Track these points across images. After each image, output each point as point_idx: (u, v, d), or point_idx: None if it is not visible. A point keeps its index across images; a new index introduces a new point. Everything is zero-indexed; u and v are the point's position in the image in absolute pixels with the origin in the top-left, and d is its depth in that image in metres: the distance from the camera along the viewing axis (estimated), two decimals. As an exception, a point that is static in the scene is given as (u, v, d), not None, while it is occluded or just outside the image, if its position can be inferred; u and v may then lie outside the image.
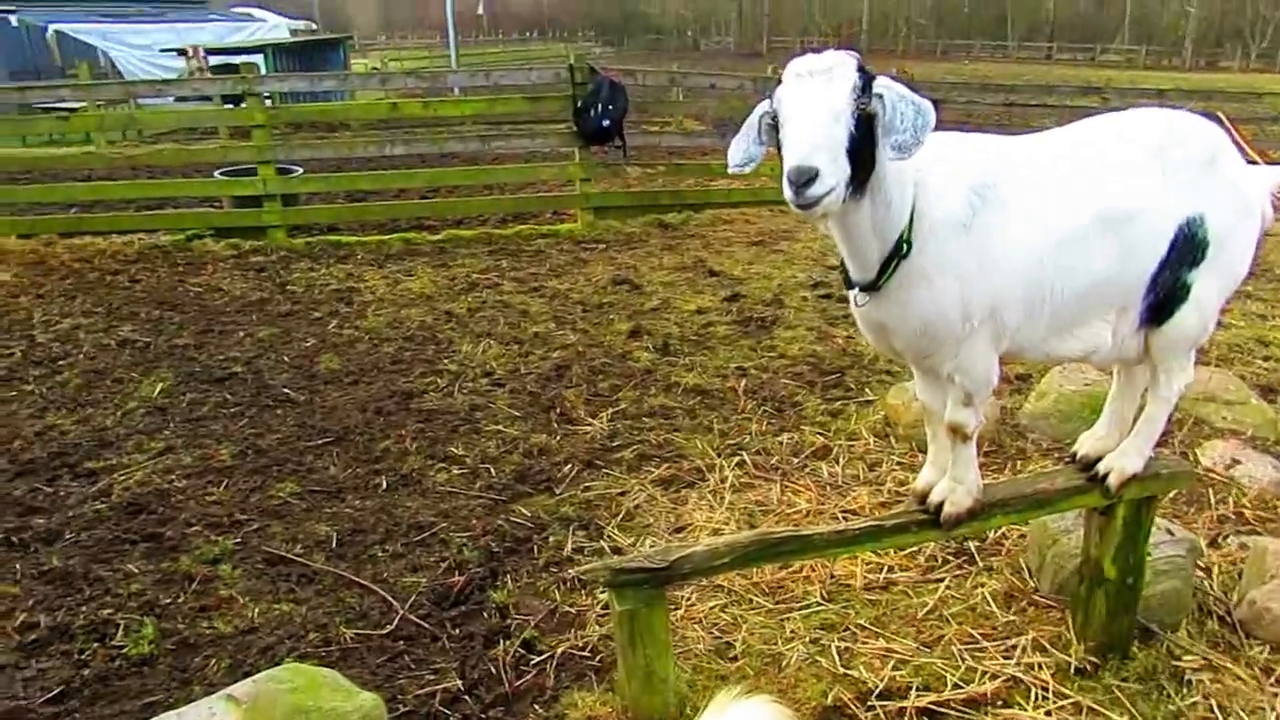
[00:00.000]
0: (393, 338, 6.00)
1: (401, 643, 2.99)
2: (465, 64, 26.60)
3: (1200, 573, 3.17)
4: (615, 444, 4.39)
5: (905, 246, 2.01)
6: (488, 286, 7.24)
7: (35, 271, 7.90)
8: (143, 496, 3.93)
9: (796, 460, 4.17)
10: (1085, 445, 2.65)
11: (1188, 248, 2.18)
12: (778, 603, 3.15)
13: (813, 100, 1.79)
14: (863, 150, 1.82)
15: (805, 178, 1.72)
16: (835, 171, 1.75)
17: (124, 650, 2.93)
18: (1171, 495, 3.72)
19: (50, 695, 2.75)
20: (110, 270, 7.93)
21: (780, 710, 1.86)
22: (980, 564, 3.33)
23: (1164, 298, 2.23)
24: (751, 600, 3.16)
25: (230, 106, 14.18)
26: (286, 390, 5.10)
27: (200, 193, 9.23)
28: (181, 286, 7.43)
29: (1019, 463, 4.09)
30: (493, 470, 4.14)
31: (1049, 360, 2.48)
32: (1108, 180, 2.14)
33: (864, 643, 2.90)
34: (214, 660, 2.90)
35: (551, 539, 3.58)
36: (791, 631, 2.98)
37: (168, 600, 3.20)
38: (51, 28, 23.36)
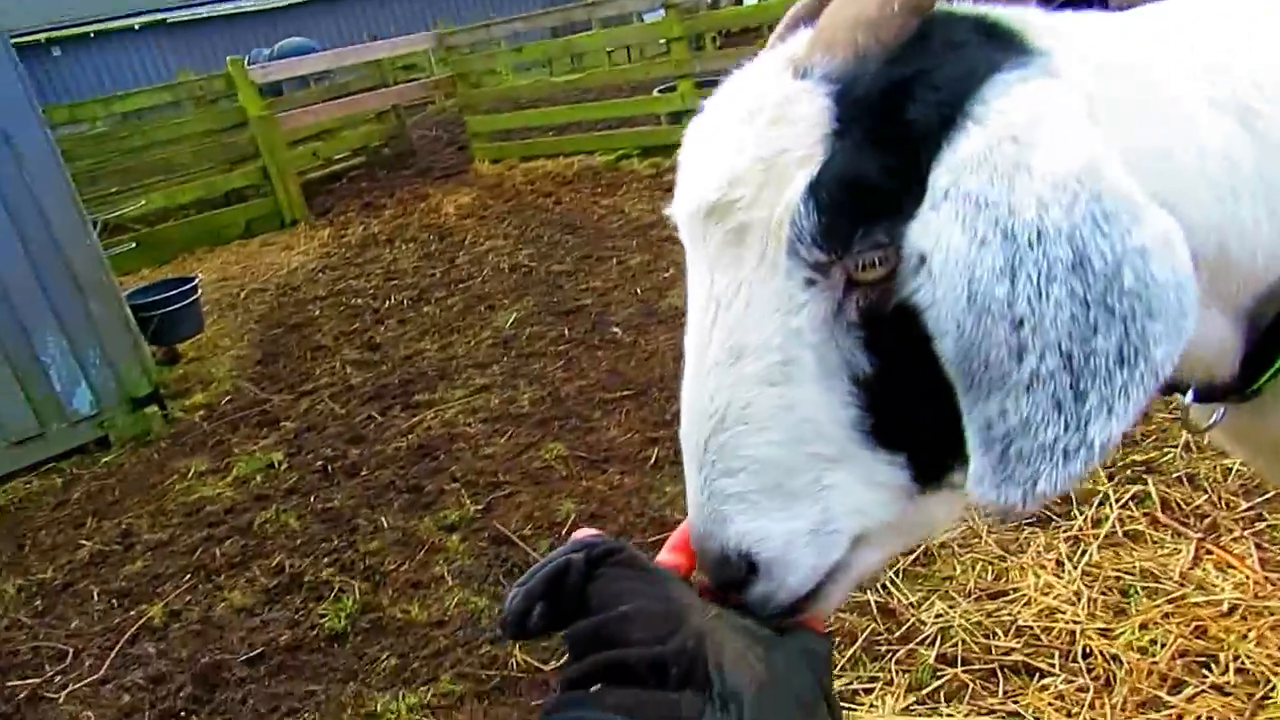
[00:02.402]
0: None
1: (565, 687, 2.40)
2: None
3: None
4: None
5: None
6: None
7: (490, 194, 8.70)
8: (436, 440, 3.86)
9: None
10: None
11: None
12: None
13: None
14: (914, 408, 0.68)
15: (732, 576, 0.70)
16: (822, 525, 0.69)
17: (324, 620, 2.80)
18: None
19: (249, 656, 2.71)
20: (545, 192, 8.39)
21: None
22: None
23: None
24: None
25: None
26: (617, 329, 4.74)
27: (626, 112, 9.31)
28: (593, 208, 7.54)
29: None
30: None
31: None
32: None
33: None
34: (384, 655, 2.62)
35: None
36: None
37: (391, 566, 3.03)
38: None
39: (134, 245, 7.05)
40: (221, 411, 4.61)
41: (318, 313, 6.03)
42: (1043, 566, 2.51)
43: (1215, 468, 2.75)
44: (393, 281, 6.42)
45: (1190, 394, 0.85)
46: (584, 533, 0.66)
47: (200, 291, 5.72)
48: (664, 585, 0.62)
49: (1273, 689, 1.99)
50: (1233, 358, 0.79)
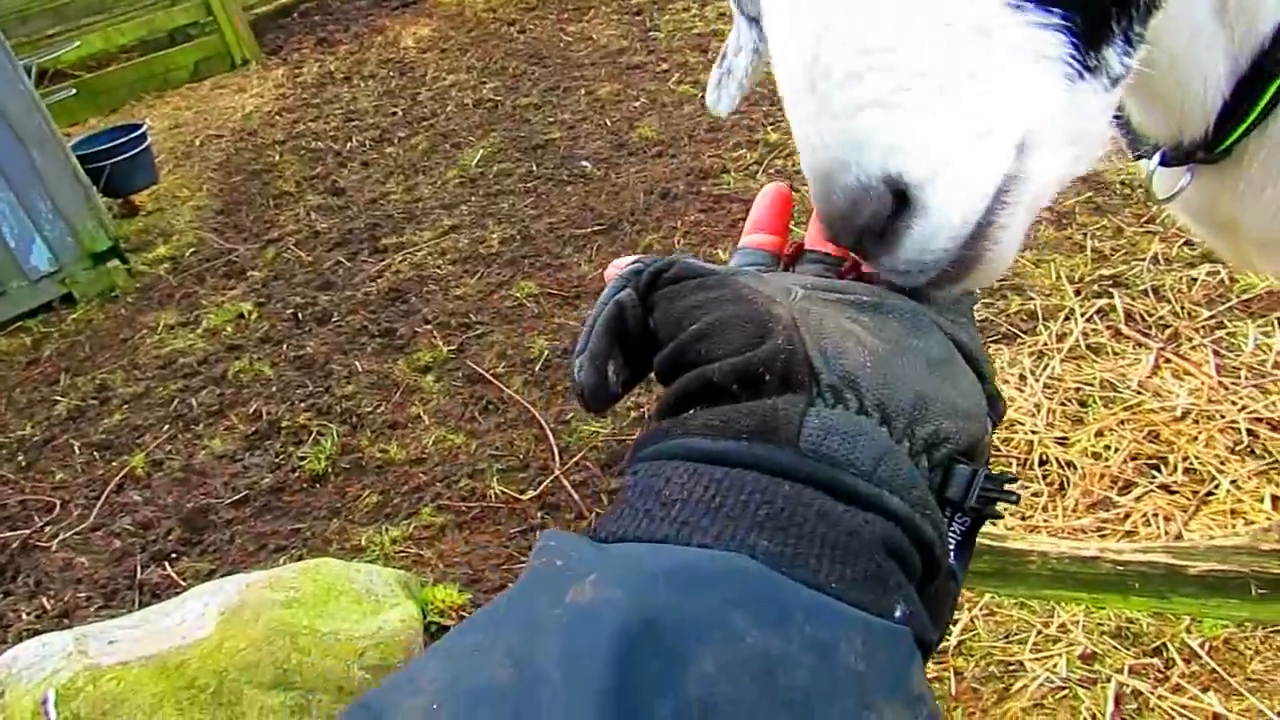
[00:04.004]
0: (726, 96, 5.09)
1: (541, 514, 2.49)
2: None
3: None
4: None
5: None
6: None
7: (451, 24, 8.22)
8: (406, 282, 3.82)
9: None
10: None
11: None
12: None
13: None
14: None
15: (873, 219, 0.54)
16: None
17: (304, 463, 2.86)
18: None
19: (234, 499, 2.78)
20: (508, 20, 7.93)
21: None
22: None
23: None
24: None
25: None
26: (586, 163, 4.60)
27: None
28: (560, 36, 7.16)
29: None
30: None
31: None
32: None
33: None
34: (366, 493, 2.69)
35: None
36: None
37: (368, 409, 3.06)
38: None
39: (74, 92, 6.68)
40: (186, 263, 4.52)
41: (278, 158, 5.82)
42: (1006, 381, 2.55)
43: (1181, 279, 2.76)
44: (353, 122, 6.17)
45: (1158, 157, 0.85)
46: (618, 265, 0.55)
47: (151, 139, 5.48)
48: (734, 284, 0.50)
49: (1217, 486, 2.07)
50: (1215, 105, 0.79)
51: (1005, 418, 2.39)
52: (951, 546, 0.46)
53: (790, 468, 0.41)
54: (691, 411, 0.45)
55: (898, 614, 0.39)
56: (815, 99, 0.54)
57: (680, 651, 0.33)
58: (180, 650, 1.71)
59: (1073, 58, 0.56)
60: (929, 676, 1.86)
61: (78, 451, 3.18)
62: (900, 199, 0.53)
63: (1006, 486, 0.47)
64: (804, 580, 0.38)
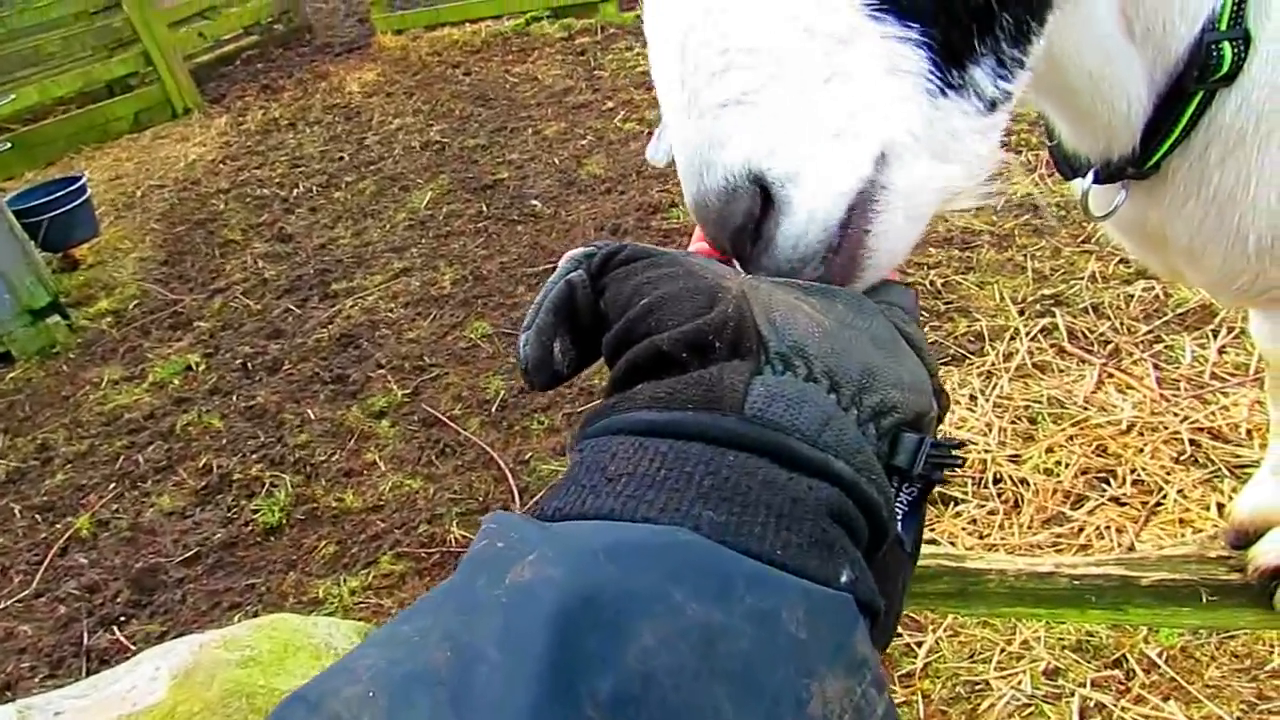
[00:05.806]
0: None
1: (503, 557, 2.46)
2: None
3: None
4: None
5: (1214, 58, 0.74)
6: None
7: (395, 69, 8.24)
8: (358, 328, 3.78)
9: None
10: None
11: None
12: None
13: None
14: None
15: (743, 218, 0.55)
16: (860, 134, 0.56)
17: (257, 516, 2.79)
18: None
19: (185, 557, 2.70)
20: (453, 63, 7.98)
21: None
22: None
23: None
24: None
25: None
26: (536, 202, 4.62)
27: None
28: (505, 77, 7.22)
29: None
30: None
31: None
32: None
33: None
34: (322, 544, 2.63)
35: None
36: None
37: (322, 458, 3.01)
38: None
39: (10, 146, 6.56)
40: (130, 316, 4.43)
41: (223, 206, 5.75)
42: (957, 402, 2.60)
43: (1119, 295, 2.84)
44: (299, 168, 6.13)
45: (1091, 175, 0.88)
46: (571, 254, 0.56)
47: (90, 191, 5.38)
48: (686, 262, 0.50)
49: (1164, 496, 2.12)
50: (1139, 122, 0.81)
51: (959, 439, 2.43)
52: (900, 516, 0.46)
53: (735, 435, 0.41)
54: (639, 386, 0.45)
55: (843, 579, 0.39)
56: (684, 94, 0.56)
57: (620, 626, 0.33)
58: (131, 718, 1.65)
59: (932, 74, 0.57)
60: (897, 701, 1.87)
61: (18, 515, 3.07)
62: (767, 198, 0.54)
63: (953, 452, 0.48)
64: (749, 548, 0.38)
